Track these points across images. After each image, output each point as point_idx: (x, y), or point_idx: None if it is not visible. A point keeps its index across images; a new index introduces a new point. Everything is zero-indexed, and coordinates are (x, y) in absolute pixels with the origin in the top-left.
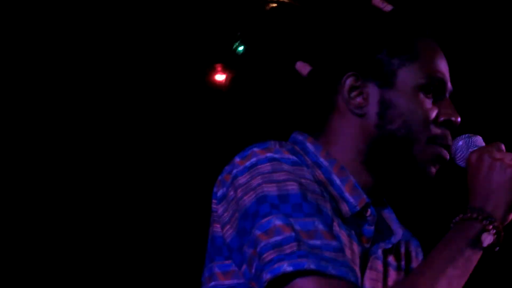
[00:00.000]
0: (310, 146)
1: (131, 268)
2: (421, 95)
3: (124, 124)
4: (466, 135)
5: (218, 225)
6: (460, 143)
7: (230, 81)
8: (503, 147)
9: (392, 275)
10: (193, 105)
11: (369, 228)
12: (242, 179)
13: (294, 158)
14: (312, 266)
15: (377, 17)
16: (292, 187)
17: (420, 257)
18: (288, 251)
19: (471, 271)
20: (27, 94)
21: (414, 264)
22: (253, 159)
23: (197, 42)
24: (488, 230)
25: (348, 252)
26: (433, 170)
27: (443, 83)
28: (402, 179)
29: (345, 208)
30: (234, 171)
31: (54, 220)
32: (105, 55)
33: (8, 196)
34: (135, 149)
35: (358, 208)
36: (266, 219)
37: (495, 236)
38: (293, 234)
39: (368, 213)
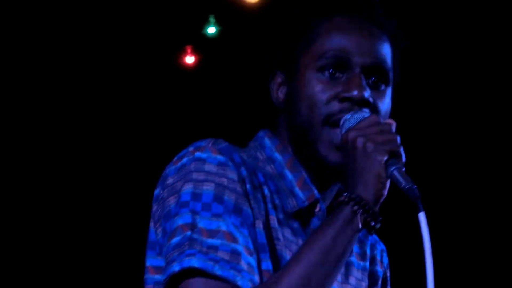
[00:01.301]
0: (267, 141)
1: (130, 268)
2: (318, 78)
3: (94, 104)
4: (359, 109)
5: (152, 222)
6: (348, 116)
7: (200, 64)
8: (375, 119)
9: (354, 273)
10: (162, 86)
11: (318, 223)
12: (170, 180)
13: (221, 158)
14: (196, 265)
15: (283, 14)
16: (208, 187)
17: (385, 261)
18: (180, 251)
19: (345, 253)
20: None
21: (379, 267)
22: (184, 159)
23: (167, 24)
24: (356, 212)
25: (293, 247)
26: (331, 154)
27: (342, 59)
28: (324, 169)
29: (293, 202)
30: (167, 170)
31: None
32: (74, 37)
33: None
34: (105, 131)
35: (306, 203)
36: (174, 219)
37: (365, 217)
38: (189, 233)
39: (317, 208)
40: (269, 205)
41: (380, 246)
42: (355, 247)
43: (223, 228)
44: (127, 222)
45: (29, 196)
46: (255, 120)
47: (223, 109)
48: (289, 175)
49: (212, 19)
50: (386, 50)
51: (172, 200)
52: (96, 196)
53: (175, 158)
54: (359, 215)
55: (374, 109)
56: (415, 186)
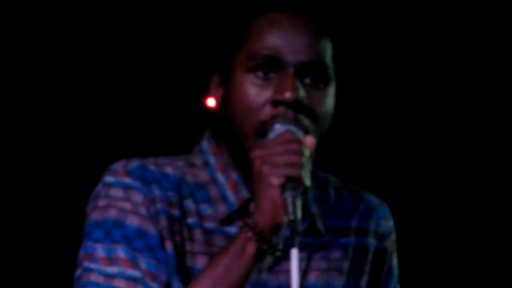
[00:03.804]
0: (205, 144)
1: None
2: (250, 79)
3: (115, 145)
4: (293, 114)
5: None
6: (277, 126)
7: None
8: (287, 137)
9: (329, 254)
10: (185, 128)
11: None
12: (87, 209)
13: (128, 180)
14: None
15: (219, 11)
16: (110, 213)
17: (382, 229)
18: (78, 284)
19: (242, 280)
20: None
21: (370, 239)
22: (98, 186)
23: (190, 64)
24: (250, 239)
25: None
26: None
27: (274, 58)
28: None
29: (223, 208)
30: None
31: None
32: (92, 71)
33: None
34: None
35: (236, 207)
36: (79, 251)
37: (260, 244)
38: (86, 264)
39: (251, 208)
40: (191, 220)
41: (377, 213)
42: (332, 222)
43: (122, 255)
44: None
45: (29, 196)
46: None
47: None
48: (220, 178)
49: None
50: (323, 47)
51: (84, 229)
52: None
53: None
54: (253, 242)
55: (310, 112)
56: (299, 219)
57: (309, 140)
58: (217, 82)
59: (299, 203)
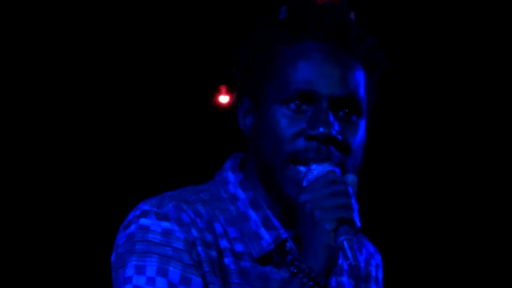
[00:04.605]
0: (231, 175)
1: None
2: (282, 111)
3: (127, 145)
4: (326, 148)
5: None
6: (312, 166)
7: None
8: (331, 177)
9: None
10: (196, 125)
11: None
12: (120, 248)
13: (166, 224)
14: None
15: (250, 38)
16: (151, 259)
17: (380, 276)
18: None
19: None
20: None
21: (373, 284)
22: (132, 227)
23: (201, 63)
24: (305, 284)
25: None
26: (295, 193)
27: (308, 92)
28: (292, 206)
29: (259, 246)
30: (118, 237)
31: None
32: (109, 73)
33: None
34: (138, 171)
35: (272, 246)
36: None
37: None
38: None
39: (288, 247)
40: (227, 259)
41: (376, 260)
42: (346, 265)
43: None
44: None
45: (29, 196)
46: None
47: None
48: (253, 214)
49: None
50: (357, 79)
51: (120, 273)
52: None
53: (125, 222)
54: (308, 287)
55: (343, 147)
56: (359, 264)
57: (352, 179)
58: (245, 109)
59: (354, 246)
